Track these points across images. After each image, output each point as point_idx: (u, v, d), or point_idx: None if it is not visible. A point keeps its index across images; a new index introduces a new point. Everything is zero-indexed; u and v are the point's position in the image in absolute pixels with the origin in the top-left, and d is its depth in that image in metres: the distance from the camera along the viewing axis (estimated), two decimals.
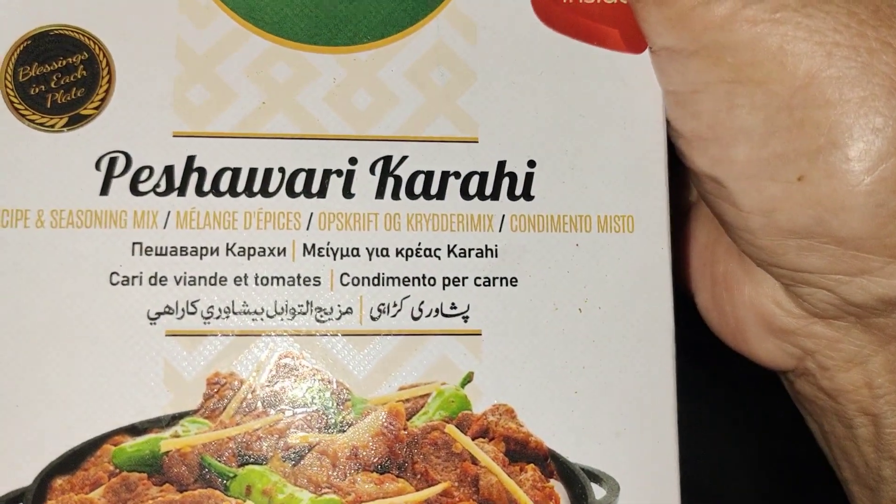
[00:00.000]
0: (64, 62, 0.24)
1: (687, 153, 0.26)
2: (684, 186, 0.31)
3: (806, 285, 0.25)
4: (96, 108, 0.24)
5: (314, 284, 0.24)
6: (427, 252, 0.25)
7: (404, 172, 0.25)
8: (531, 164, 0.25)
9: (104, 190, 0.24)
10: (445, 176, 0.25)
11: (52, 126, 0.24)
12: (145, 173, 0.24)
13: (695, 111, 0.25)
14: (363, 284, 0.24)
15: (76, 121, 0.24)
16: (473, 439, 0.24)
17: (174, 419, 0.23)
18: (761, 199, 0.24)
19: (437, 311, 0.24)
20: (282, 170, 0.24)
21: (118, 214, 0.24)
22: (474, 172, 0.25)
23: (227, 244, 0.24)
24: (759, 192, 0.24)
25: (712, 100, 0.24)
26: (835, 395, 0.27)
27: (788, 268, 0.25)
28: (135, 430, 0.23)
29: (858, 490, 0.29)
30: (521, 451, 0.24)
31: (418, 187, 0.25)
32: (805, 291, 0.26)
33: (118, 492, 0.23)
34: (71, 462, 0.23)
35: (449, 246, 0.25)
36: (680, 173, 0.28)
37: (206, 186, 0.24)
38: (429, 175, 0.25)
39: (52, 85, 0.24)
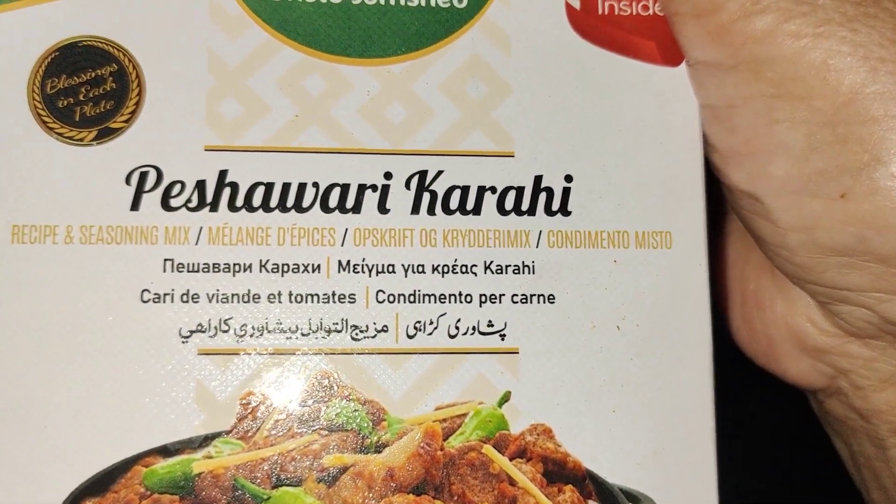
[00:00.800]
0: (93, 74, 0.24)
1: (722, 168, 0.26)
2: (713, 203, 0.31)
3: (844, 303, 0.25)
4: (126, 122, 0.24)
5: (349, 302, 0.24)
6: (463, 268, 0.24)
7: (440, 187, 0.24)
8: (568, 178, 0.25)
9: (135, 205, 0.23)
10: (481, 191, 0.25)
11: (81, 140, 0.23)
12: (177, 188, 0.24)
13: (732, 126, 0.25)
14: (399, 302, 0.24)
15: (105, 134, 0.24)
16: (511, 460, 0.24)
17: (206, 440, 0.23)
18: (801, 216, 0.24)
19: (473, 328, 0.24)
20: (316, 184, 0.24)
21: (149, 230, 0.23)
22: (510, 187, 0.25)
23: (261, 260, 0.24)
24: (798, 208, 0.24)
25: (751, 114, 0.24)
26: (868, 415, 0.27)
27: (827, 285, 0.25)
28: (166, 451, 0.23)
29: None
30: (559, 472, 0.24)
31: (454, 202, 0.24)
32: (843, 310, 0.25)
33: None
34: (101, 484, 0.22)
35: (485, 262, 0.24)
36: (709, 190, 0.28)
37: (239, 201, 0.24)
38: (465, 190, 0.24)
39: (81, 97, 0.23)
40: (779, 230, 0.25)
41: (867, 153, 0.23)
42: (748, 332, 0.29)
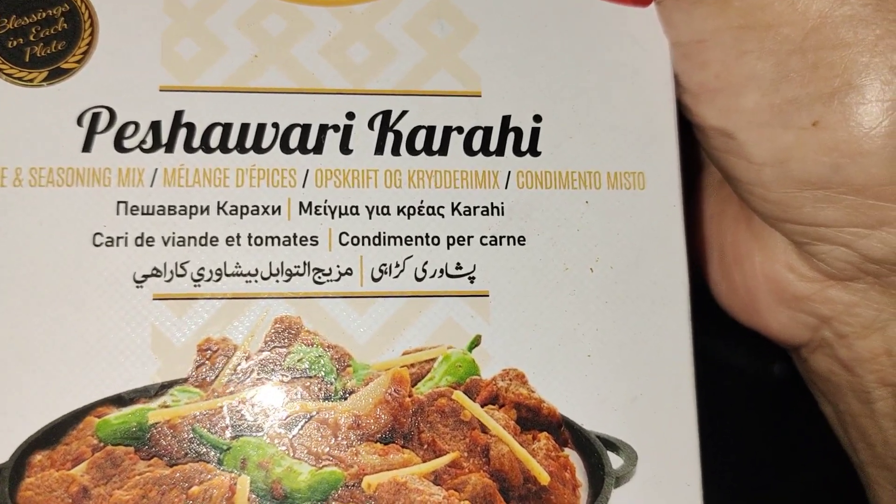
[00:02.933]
0: (44, 14, 0.23)
1: (693, 107, 0.25)
2: (686, 156, 0.30)
3: (822, 242, 0.24)
4: (78, 62, 0.23)
5: (311, 244, 0.23)
6: (430, 210, 0.23)
7: (404, 127, 0.24)
8: (537, 118, 0.24)
9: (87, 146, 0.22)
10: (448, 131, 0.24)
11: (32, 80, 0.23)
12: (130, 129, 0.23)
13: (702, 61, 0.24)
14: (363, 244, 0.23)
15: (57, 75, 0.23)
16: (483, 406, 0.23)
17: (163, 388, 0.22)
18: (774, 148, 0.23)
19: (441, 271, 0.23)
20: (275, 125, 0.23)
21: (101, 172, 0.22)
22: (478, 127, 0.24)
23: (219, 202, 0.23)
24: (771, 141, 0.23)
25: (720, 48, 0.24)
26: (852, 365, 0.26)
27: (803, 223, 0.24)
28: (120, 400, 0.22)
29: (876, 472, 0.28)
30: (533, 419, 0.23)
31: (419, 143, 0.24)
32: (821, 250, 0.25)
33: (102, 467, 0.21)
34: (51, 436, 0.21)
35: (453, 204, 0.24)
36: (681, 140, 0.27)
37: (196, 142, 0.23)
38: (430, 130, 0.24)
39: (31, 38, 0.23)
40: (753, 166, 0.24)
41: (838, 78, 0.22)
42: (728, 287, 0.29)
